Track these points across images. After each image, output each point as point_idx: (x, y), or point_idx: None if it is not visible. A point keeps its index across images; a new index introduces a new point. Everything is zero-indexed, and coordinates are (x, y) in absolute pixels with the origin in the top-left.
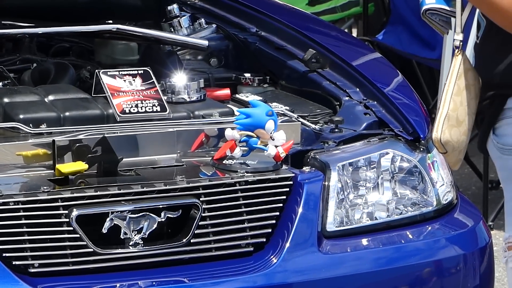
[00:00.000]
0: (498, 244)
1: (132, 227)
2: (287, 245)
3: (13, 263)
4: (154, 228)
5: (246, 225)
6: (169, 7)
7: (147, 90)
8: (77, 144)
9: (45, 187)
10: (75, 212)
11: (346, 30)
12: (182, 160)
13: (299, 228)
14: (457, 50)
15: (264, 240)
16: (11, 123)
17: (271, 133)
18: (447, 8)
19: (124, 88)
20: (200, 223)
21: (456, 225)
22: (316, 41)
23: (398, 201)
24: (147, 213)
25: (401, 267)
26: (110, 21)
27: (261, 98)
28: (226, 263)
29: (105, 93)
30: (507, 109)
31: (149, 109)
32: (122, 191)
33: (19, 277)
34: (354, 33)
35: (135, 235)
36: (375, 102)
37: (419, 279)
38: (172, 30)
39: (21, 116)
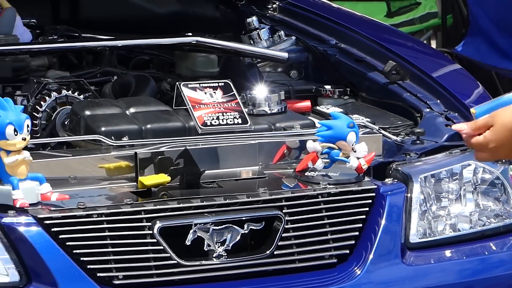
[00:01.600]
0: None
1: (215, 239)
2: (371, 256)
3: (98, 275)
4: (237, 240)
5: (329, 236)
6: (248, 20)
7: (228, 102)
8: (159, 157)
9: (128, 200)
10: (158, 224)
11: (424, 42)
12: (264, 172)
13: (382, 239)
14: None
15: (348, 251)
16: (93, 136)
17: (352, 145)
18: None
19: (205, 100)
20: (283, 235)
21: None
22: (396, 52)
23: (481, 213)
24: (230, 225)
25: (486, 279)
26: (190, 34)
27: (342, 110)
28: (310, 275)
29: (186, 106)
30: None
31: (230, 121)
32: (205, 203)
33: None
34: (433, 44)
35: (218, 247)
36: (456, 114)
37: None
38: (252, 42)
39: (103, 129)
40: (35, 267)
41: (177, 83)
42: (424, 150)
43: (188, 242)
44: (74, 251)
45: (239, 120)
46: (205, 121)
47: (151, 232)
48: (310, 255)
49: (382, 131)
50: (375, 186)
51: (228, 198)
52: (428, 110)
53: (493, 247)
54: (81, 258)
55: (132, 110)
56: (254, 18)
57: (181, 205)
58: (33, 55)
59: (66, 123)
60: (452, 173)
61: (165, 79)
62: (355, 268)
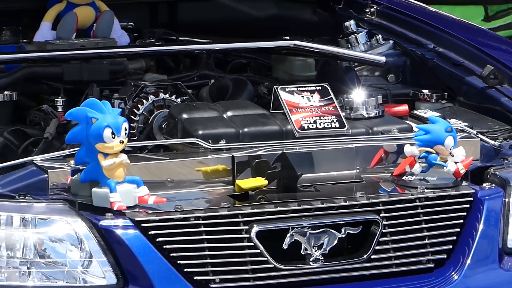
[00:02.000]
0: None
1: (312, 243)
2: (468, 261)
3: (194, 278)
4: (334, 244)
5: (426, 241)
6: (346, 23)
7: (325, 106)
8: (257, 160)
9: (225, 203)
10: (255, 228)
11: None
12: (362, 176)
13: (480, 244)
14: None
15: (445, 256)
16: (190, 139)
17: (450, 149)
18: None
19: (302, 104)
20: (380, 239)
21: None
22: (494, 57)
23: None
24: (328, 229)
25: None
26: (287, 37)
27: (439, 114)
28: (407, 280)
29: (283, 109)
30: None
31: (328, 125)
32: (302, 207)
33: None
34: None
35: (315, 251)
36: None
37: None
38: (349, 46)
39: (200, 132)
40: (132, 269)
41: (274, 86)
42: None
43: (285, 246)
44: (171, 254)
45: (336, 124)
46: (303, 125)
47: (248, 235)
48: (407, 260)
49: (480, 136)
50: (473, 191)
51: (326, 202)
52: None
53: None
54: (178, 261)
55: (229, 113)
56: (352, 22)
57: (278, 208)
58: (130, 58)
59: (163, 126)
60: None
61: (263, 83)
62: (453, 273)
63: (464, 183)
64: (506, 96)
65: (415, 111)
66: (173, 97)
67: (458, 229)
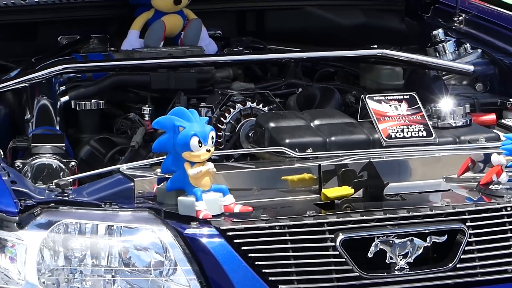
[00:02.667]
0: None
1: (397, 252)
2: None
3: (279, 287)
4: (419, 253)
5: None
6: (434, 32)
7: (413, 115)
8: (343, 169)
9: (311, 212)
10: (341, 237)
11: None
12: (448, 185)
13: None
14: None
15: None
16: (277, 148)
17: None
18: None
19: (389, 113)
20: (466, 248)
21: None
22: None
23: None
24: (413, 237)
25: None
26: (375, 46)
27: None
28: None
29: (370, 118)
30: None
31: (415, 134)
32: (388, 215)
33: None
34: None
35: (400, 260)
36: None
37: None
38: (437, 55)
39: (287, 141)
40: (216, 278)
41: (362, 95)
42: None
43: (370, 255)
44: (256, 263)
45: (424, 133)
46: (390, 134)
47: (333, 244)
48: (493, 269)
49: None
50: None
51: (411, 211)
52: None
53: None
54: (263, 270)
55: (316, 122)
56: (440, 30)
57: (364, 217)
58: (218, 67)
59: (250, 134)
60: None
61: (350, 91)
62: None
63: None
64: None
65: (503, 120)
66: (261, 105)
67: None
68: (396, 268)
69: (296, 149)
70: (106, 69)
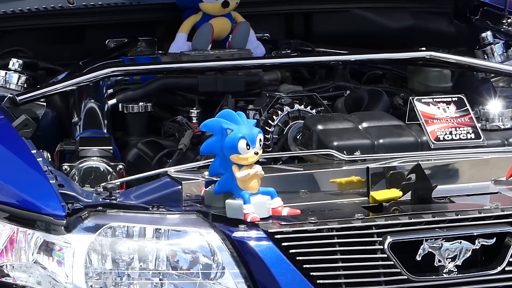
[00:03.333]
0: None
1: (446, 255)
2: None
3: None
4: (468, 255)
5: None
6: (483, 34)
7: (461, 117)
8: (391, 171)
9: (359, 215)
10: (389, 239)
11: None
12: (496, 187)
13: None
14: None
15: None
16: (325, 150)
17: None
18: None
19: (438, 115)
20: None
21: None
22: None
23: None
24: (462, 240)
25: None
26: (423, 48)
27: None
28: None
29: (418, 121)
30: None
31: (463, 136)
32: (436, 218)
33: None
34: None
35: (449, 263)
36: None
37: None
38: (486, 57)
39: (335, 143)
40: (264, 281)
41: (410, 97)
42: None
43: (418, 258)
44: (304, 266)
45: (472, 135)
46: (438, 136)
47: (381, 247)
48: None
49: None
50: None
51: (460, 214)
52: None
53: None
54: (311, 273)
55: (364, 124)
56: (489, 32)
57: (412, 220)
58: (266, 69)
59: (298, 137)
60: None
61: (398, 94)
62: None
63: None
64: None
65: None
66: (308, 108)
67: None
68: (444, 271)
69: (344, 152)
70: (153, 72)
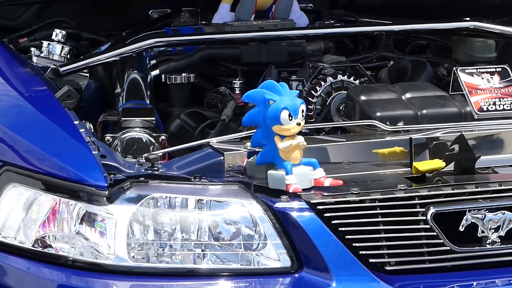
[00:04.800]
0: None
1: (489, 226)
2: None
3: (370, 261)
4: (511, 226)
5: None
6: None
7: (505, 87)
8: (434, 142)
9: (402, 185)
10: (432, 210)
11: None
12: None
13: None
14: None
15: None
16: (368, 121)
17: None
18: None
19: (481, 85)
20: None
21: None
22: None
23: None
24: (505, 211)
25: None
26: (468, 19)
27: None
28: None
29: (462, 91)
30: None
31: (507, 107)
32: (479, 189)
33: (376, 275)
34: None
35: (492, 234)
36: None
37: None
38: None
39: (378, 114)
40: (306, 252)
41: (454, 68)
42: None
43: (461, 228)
44: (346, 237)
45: None
46: (482, 107)
47: (424, 218)
48: None
49: None
50: None
51: (503, 184)
52: None
53: None
54: (353, 244)
55: (407, 95)
56: None
57: (455, 191)
58: (309, 40)
59: (341, 108)
60: None
61: (442, 64)
62: None
63: None
64: None
65: None
66: (352, 79)
67: None
68: (487, 242)
69: (387, 122)
70: (196, 43)
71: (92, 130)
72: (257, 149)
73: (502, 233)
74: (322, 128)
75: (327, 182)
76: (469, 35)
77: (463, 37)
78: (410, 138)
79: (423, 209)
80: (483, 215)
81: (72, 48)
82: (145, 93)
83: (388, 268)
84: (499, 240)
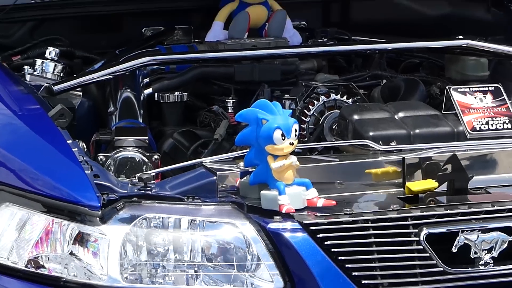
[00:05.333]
0: None
1: (482, 247)
2: None
3: (362, 282)
4: (504, 247)
5: None
6: None
7: (498, 107)
8: (427, 162)
9: (394, 206)
10: (424, 231)
11: None
12: None
13: None
14: None
15: None
16: (361, 141)
17: None
18: None
19: (474, 105)
20: None
21: None
22: None
23: None
24: (498, 232)
25: None
26: (461, 37)
27: None
28: None
29: (455, 110)
30: None
31: (500, 126)
32: (472, 209)
33: None
34: None
35: (485, 255)
36: None
37: None
38: None
39: (371, 134)
40: (299, 273)
41: (446, 87)
42: None
43: (454, 249)
44: (339, 258)
45: (509, 125)
46: (474, 126)
47: (417, 238)
48: None
49: None
50: None
51: (496, 205)
52: None
53: None
54: (346, 265)
55: (400, 114)
56: None
57: (448, 211)
58: (302, 58)
59: (334, 127)
60: None
61: (435, 83)
62: None
63: None
64: None
65: None
66: (345, 97)
67: None
68: (480, 263)
69: (380, 142)
70: (190, 61)
71: (85, 149)
72: (250, 169)
73: (495, 254)
74: (315, 148)
75: (320, 202)
76: (462, 54)
77: (456, 56)
78: (403, 158)
79: (416, 230)
80: (476, 236)
81: (66, 66)
82: (138, 112)
83: None
84: (492, 261)
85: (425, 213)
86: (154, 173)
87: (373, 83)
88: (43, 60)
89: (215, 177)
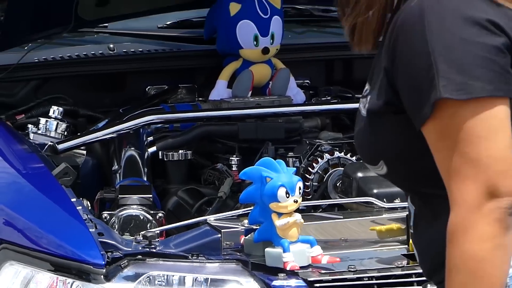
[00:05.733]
0: None
1: None
2: None
3: None
4: None
5: None
6: None
7: None
8: None
9: (399, 263)
10: None
11: None
12: None
13: None
14: None
15: None
16: (365, 198)
17: None
18: None
19: None
20: None
21: None
22: None
23: None
24: None
25: None
26: None
27: None
28: None
29: None
30: None
31: None
32: None
33: None
34: None
35: None
36: None
37: None
38: None
39: (375, 191)
40: None
41: None
42: None
43: None
44: None
45: None
46: None
47: None
48: None
49: None
50: None
51: None
52: None
53: None
54: None
55: None
56: None
57: None
58: (306, 116)
59: (338, 185)
60: None
61: None
62: None
63: None
64: None
65: None
66: (349, 155)
67: None
68: None
69: (384, 199)
70: (193, 120)
71: (90, 208)
72: (254, 227)
73: None
74: (320, 205)
75: (325, 259)
76: None
77: None
78: (407, 215)
79: (421, 287)
80: None
81: (70, 125)
82: (142, 170)
83: None
84: None
85: None
86: (158, 231)
87: None
88: (46, 119)
89: (220, 235)
